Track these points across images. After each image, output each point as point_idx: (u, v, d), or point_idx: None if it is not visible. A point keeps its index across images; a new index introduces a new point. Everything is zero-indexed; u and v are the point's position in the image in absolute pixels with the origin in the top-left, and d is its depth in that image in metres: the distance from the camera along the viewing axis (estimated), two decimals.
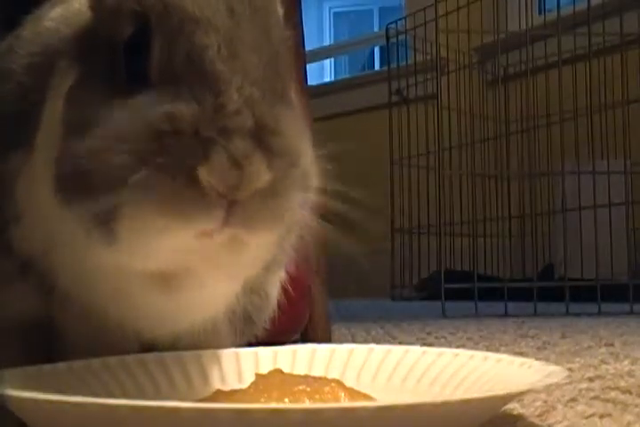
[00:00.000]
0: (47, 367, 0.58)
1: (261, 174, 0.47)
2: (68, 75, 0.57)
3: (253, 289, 0.72)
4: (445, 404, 0.44)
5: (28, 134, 0.60)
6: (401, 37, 3.24)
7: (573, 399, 0.70)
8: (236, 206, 0.47)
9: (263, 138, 0.48)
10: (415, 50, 3.10)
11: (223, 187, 0.46)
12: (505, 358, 0.63)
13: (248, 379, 0.60)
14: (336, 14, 5.82)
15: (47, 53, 0.62)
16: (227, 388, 0.58)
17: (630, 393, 0.73)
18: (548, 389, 0.74)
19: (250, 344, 0.76)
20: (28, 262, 0.61)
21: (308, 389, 0.52)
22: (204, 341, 0.67)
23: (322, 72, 5.38)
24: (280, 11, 0.57)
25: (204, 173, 0.46)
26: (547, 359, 0.98)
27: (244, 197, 0.47)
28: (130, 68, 0.51)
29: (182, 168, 0.46)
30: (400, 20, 3.30)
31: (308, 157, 0.53)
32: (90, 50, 0.56)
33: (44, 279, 0.61)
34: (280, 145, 0.49)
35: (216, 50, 0.49)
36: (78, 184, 0.49)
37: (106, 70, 0.53)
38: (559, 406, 0.66)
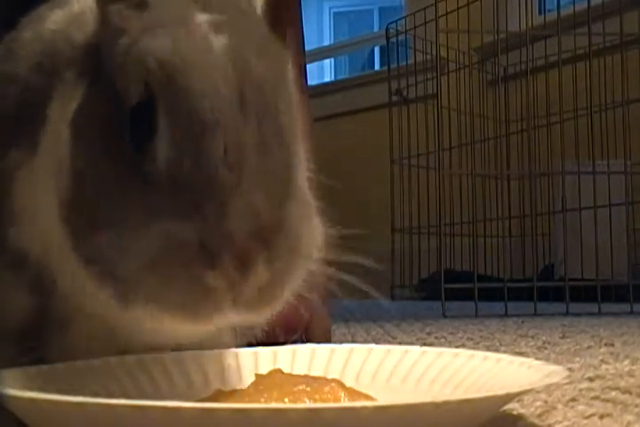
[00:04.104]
0: (47, 367, 0.58)
1: (263, 276, 0.49)
2: (75, 88, 0.57)
3: None
4: (445, 404, 0.44)
5: (30, 134, 0.60)
6: (401, 37, 3.24)
7: (573, 399, 0.70)
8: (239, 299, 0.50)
9: (265, 238, 0.49)
10: (415, 50, 3.10)
11: (229, 290, 0.49)
12: (505, 358, 0.63)
13: (248, 379, 0.60)
14: (336, 14, 5.82)
15: (53, 54, 0.62)
16: (227, 388, 0.58)
17: (630, 393, 0.73)
18: (548, 389, 0.74)
19: (249, 344, 0.76)
20: (22, 260, 0.61)
21: (308, 389, 0.52)
22: (205, 341, 0.67)
23: (322, 72, 5.38)
24: (290, 84, 0.55)
25: (211, 279, 0.48)
26: (547, 359, 0.98)
27: (247, 295, 0.49)
28: (136, 142, 0.51)
29: (191, 275, 0.48)
30: (400, 19, 3.30)
31: (311, 237, 0.54)
32: (97, 71, 0.55)
33: (41, 279, 0.61)
34: (282, 240, 0.50)
35: (222, 154, 0.48)
36: (97, 266, 0.52)
37: (113, 115, 0.52)
38: (559, 406, 0.66)
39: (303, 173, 0.56)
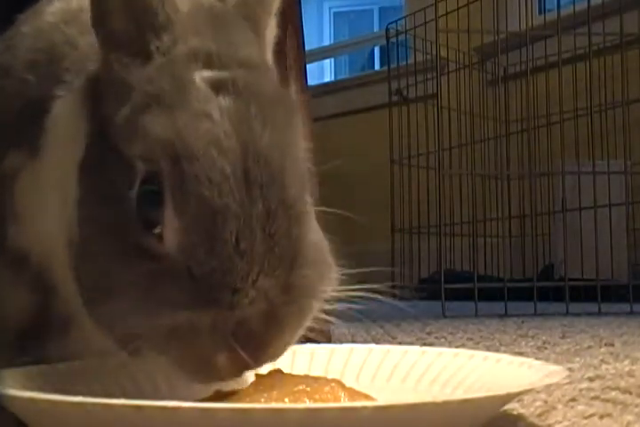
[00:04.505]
0: (47, 367, 0.58)
1: (276, 352, 0.51)
2: (78, 96, 0.57)
3: None
4: (446, 404, 0.44)
5: (31, 136, 0.60)
6: (401, 37, 3.24)
7: (573, 399, 0.70)
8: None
9: (277, 316, 0.49)
10: (415, 50, 3.10)
11: (240, 370, 0.50)
12: (505, 358, 0.63)
13: (248, 379, 0.60)
14: (336, 14, 5.82)
15: (50, 52, 0.62)
16: (227, 388, 0.58)
17: (630, 393, 0.73)
18: (548, 389, 0.74)
19: None
20: (23, 259, 0.61)
21: (308, 389, 0.52)
22: None
23: (322, 72, 5.38)
24: (301, 153, 0.54)
25: (222, 361, 0.49)
26: (547, 359, 0.98)
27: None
28: (144, 219, 0.50)
29: (203, 356, 0.49)
30: (400, 19, 3.30)
31: (325, 282, 0.54)
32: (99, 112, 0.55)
33: (42, 278, 0.61)
34: (294, 310, 0.50)
35: (235, 242, 0.48)
36: (109, 329, 0.53)
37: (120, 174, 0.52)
38: (559, 406, 0.66)
39: (312, 215, 0.55)
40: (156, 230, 0.49)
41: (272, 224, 0.49)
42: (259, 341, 0.49)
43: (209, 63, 0.52)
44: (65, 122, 0.58)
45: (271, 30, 0.61)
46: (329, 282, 0.54)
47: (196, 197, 0.48)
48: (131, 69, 0.53)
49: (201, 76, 0.51)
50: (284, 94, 0.55)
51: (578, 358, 1.03)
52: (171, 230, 0.49)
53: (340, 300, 0.56)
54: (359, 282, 0.57)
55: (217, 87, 0.51)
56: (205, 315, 0.48)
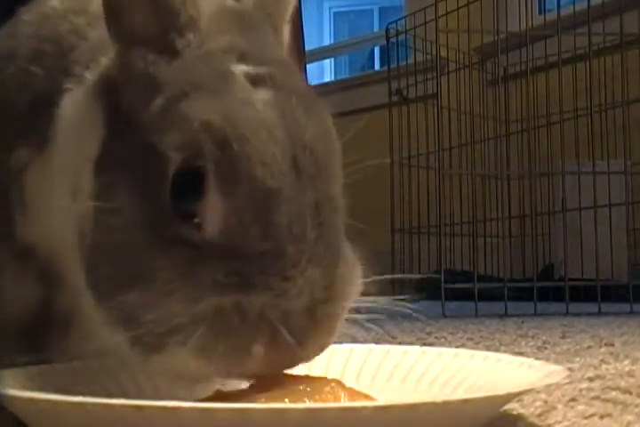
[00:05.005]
0: (47, 367, 0.58)
1: (313, 353, 0.50)
2: (90, 92, 0.57)
3: None
4: (445, 404, 0.44)
5: (38, 129, 0.59)
6: (401, 37, 3.24)
7: (573, 399, 0.70)
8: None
9: (316, 309, 0.48)
10: (415, 50, 3.10)
11: (276, 365, 0.49)
12: (505, 358, 0.63)
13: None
14: (336, 14, 5.82)
15: (57, 42, 0.61)
16: (227, 388, 0.58)
17: (630, 393, 0.73)
18: (548, 389, 0.74)
19: None
20: (29, 251, 0.61)
21: (308, 389, 0.52)
22: None
23: (322, 72, 5.38)
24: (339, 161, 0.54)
25: (260, 351, 0.47)
26: (547, 359, 0.98)
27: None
28: (179, 208, 0.48)
29: (241, 345, 0.47)
30: (400, 19, 3.30)
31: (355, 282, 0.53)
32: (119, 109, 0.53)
33: (47, 272, 0.61)
34: (332, 309, 0.49)
35: (287, 227, 0.47)
36: (125, 325, 0.49)
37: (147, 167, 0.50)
38: (559, 406, 0.66)
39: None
40: (195, 220, 0.48)
41: (320, 214, 0.49)
42: (303, 336, 0.47)
43: (243, 59, 0.52)
44: (77, 116, 0.57)
45: (286, 37, 0.61)
46: (357, 288, 0.54)
47: (248, 178, 0.47)
48: (158, 65, 0.52)
49: (238, 69, 0.51)
50: (315, 92, 0.55)
51: (578, 358, 1.03)
52: (214, 215, 0.47)
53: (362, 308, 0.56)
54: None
55: (255, 81, 0.50)
56: (253, 298, 0.46)
